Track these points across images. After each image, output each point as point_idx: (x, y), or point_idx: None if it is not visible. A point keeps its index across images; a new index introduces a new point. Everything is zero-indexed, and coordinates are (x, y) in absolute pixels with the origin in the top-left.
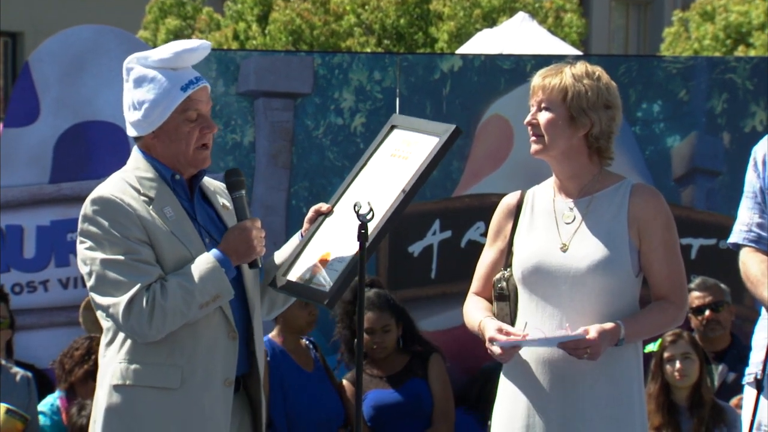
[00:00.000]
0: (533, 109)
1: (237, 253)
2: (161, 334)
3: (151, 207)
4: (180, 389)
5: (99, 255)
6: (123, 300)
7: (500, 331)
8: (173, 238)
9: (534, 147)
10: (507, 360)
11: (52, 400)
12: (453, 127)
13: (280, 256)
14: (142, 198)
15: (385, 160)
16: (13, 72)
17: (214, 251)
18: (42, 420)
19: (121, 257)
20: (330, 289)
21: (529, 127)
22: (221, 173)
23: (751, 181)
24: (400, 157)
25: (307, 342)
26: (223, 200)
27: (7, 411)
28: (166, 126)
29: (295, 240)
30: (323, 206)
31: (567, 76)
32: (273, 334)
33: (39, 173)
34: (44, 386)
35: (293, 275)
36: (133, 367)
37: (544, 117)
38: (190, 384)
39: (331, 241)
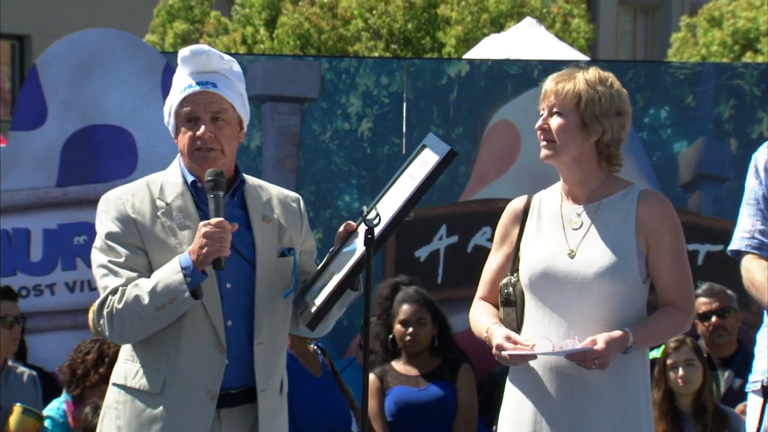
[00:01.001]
0: (544, 114)
1: (195, 254)
2: (125, 337)
3: (161, 212)
4: (160, 395)
5: (96, 257)
6: (96, 303)
7: (508, 339)
8: (168, 245)
9: (544, 152)
10: (518, 364)
11: (58, 404)
12: (448, 149)
13: (311, 273)
14: (158, 201)
15: (405, 180)
16: (21, 75)
17: (183, 254)
18: (49, 423)
19: (106, 260)
20: (314, 311)
21: (540, 132)
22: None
23: (753, 187)
24: (413, 177)
25: (316, 347)
26: (271, 212)
27: (24, 410)
28: (177, 128)
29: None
30: (351, 224)
31: (580, 81)
32: None
33: (46, 176)
34: (52, 389)
35: (308, 292)
36: (127, 366)
37: (556, 122)
38: (170, 391)
39: (343, 260)
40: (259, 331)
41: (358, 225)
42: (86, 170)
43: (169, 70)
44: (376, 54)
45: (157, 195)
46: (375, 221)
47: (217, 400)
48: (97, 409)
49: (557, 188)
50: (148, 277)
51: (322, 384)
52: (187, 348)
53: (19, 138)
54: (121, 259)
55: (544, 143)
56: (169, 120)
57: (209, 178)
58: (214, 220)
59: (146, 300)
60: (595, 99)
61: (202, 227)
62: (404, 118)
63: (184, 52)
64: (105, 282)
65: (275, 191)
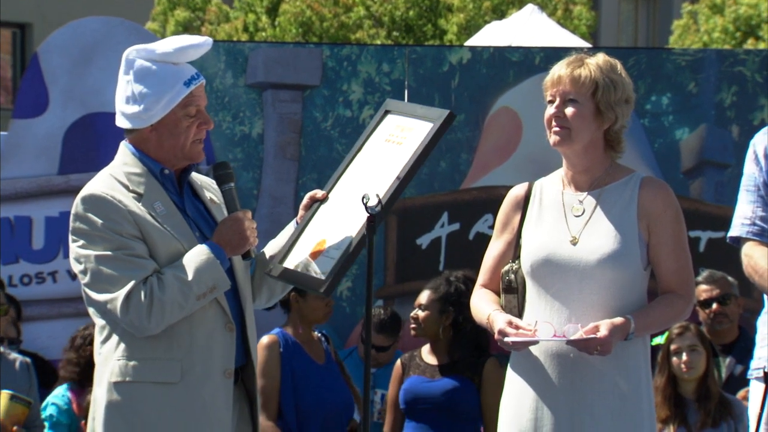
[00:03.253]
0: (557, 101)
1: (230, 245)
2: (160, 327)
3: (140, 203)
4: (180, 383)
5: (92, 252)
6: (120, 295)
7: (510, 324)
8: (165, 232)
9: (556, 138)
10: (520, 350)
11: (63, 390)
12: (447, 112)
13: (274, 244)
14: (132, 194)
15: (379, 145)
16: (22, 63)
17: (208, 243)
18: (53, 410)
19: (114, 253)
20: (326, 277)
21: (553, 118)
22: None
23: (752, 174)
24: (394, 142)
25: (319, 335)
26: (210, 194)
27: (12, 397)
28: (166, 120)
29: (290, 228)
30: (318, 193)
31: (595, 69)
32: (286, 325)
33: (48, 164)
34: (51, 376)
35: (290, 263)
36: (131, 363)
37: (571, 110)
38: (190, 377)
39: (327, 227)
40: (246, 308)
41: (327, 191)
42: (88, 158)
43: None
44: (378, 41)
45: (129, 187)
46: (377, 207)
47: (233, 378)
48: None
49: (558, 175)
50: (156, 264)
51: (326, 371)
52: (201, 332)
53: (21, 126)
54: (134, 250)
55: (557, 129)
56: (155, 108)
57: (219, 171)
58: (247, 213)
59: (188, 289)
60: (610, 87)
61: (242, 218)
62: (391, 99)
63: (195, 39)
64: (122, 273)
65: (202, 177)
